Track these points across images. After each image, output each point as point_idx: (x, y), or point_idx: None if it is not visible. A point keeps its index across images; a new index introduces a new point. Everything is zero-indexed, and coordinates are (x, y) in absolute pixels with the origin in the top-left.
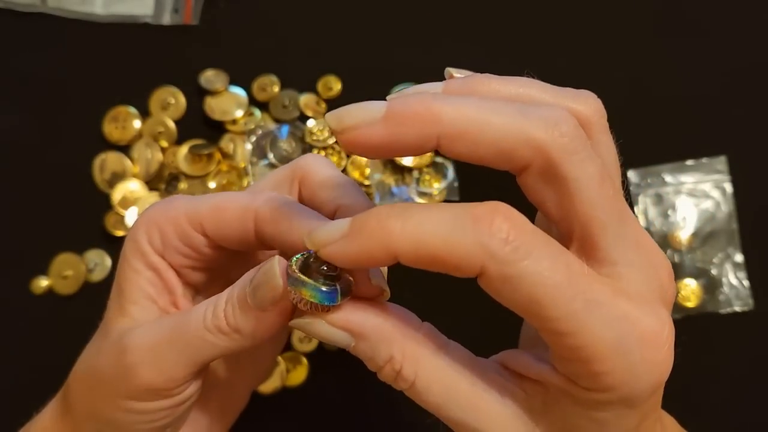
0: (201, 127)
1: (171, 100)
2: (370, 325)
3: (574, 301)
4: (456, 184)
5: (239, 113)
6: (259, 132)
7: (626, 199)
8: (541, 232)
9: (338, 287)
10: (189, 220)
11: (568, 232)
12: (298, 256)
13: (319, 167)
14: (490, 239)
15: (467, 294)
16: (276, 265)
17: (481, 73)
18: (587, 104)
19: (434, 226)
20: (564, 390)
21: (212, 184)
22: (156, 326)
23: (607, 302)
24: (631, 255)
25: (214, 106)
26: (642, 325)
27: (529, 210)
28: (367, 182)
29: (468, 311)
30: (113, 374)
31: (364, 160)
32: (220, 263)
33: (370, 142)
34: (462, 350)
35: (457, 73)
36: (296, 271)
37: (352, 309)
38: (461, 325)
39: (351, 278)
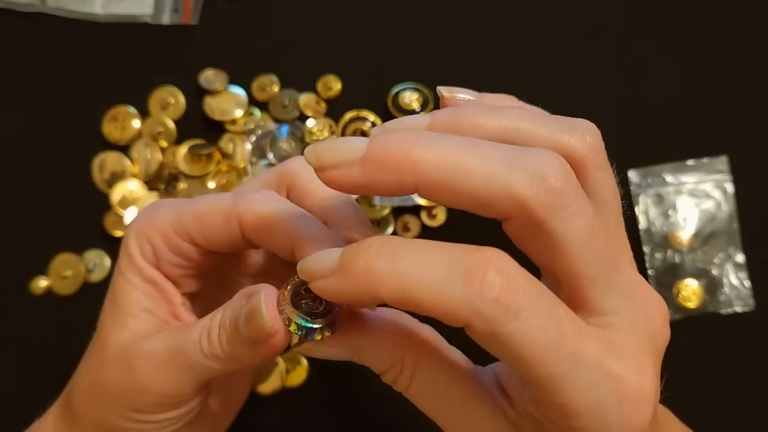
0: (200, 127)
1: (170, 100)
2: (368, 343)
3: (561, 363)
4: None
5: (239, 113)
6: (259, 132)
7: (627, 200)
8: (534, 284)
9: (322, 324)
10: (176, 230)
11: (556, 279)
12: (292, 280)
13: (307, 173)
14: (479, 298)
15: None
16: (262, 304)
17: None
18: (583, 140)
19: (422, 275)
20: (540, 422)
21: (212, 184)
22: (160, 345)
23: (594, 363)
24: (621, 305)
25: (214, 106)
26: (625, 385)
27: None
28: None
29: None
30: (120, 389)
31: None
32: (214, 267)
33: (348, 183)
34: (461, 359)
35: (446, 92)
36: (286, 301)
37: (349, 330)
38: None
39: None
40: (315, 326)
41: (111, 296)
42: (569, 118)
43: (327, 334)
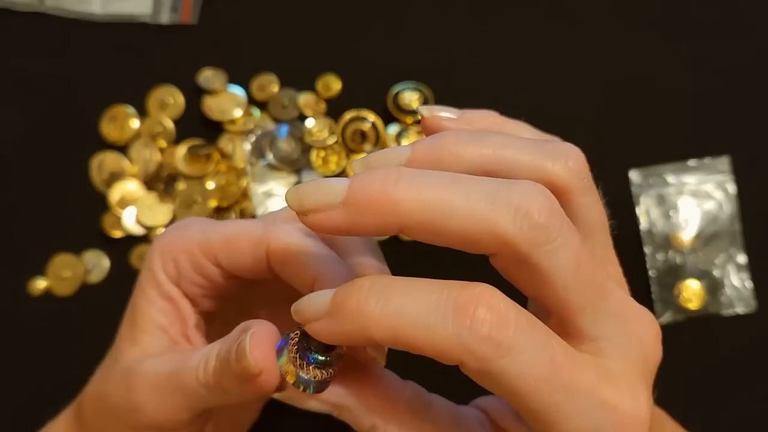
0: (199, 127)
1: (169, 100)
2: (350, 400)
3: (555, 394)
4: None
5: (238, 113)
6: (258, 132)
7: (628, 200)
8: (525, 317)
9: (317, 379)
10: (202, 250)
11: (546, 308)
12: (293, 333)
13: None
14: (470, 336)
15: None
16: (247, 343)
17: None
18: (566, 166)
19: (413, 315)
20: None
21: (211, 185)
22: (160, 366)
23: (588, 391)
24: (612, 330)
25: (213, 106)
26: (620, 411)
27: None
28: None
29: None
30: (120, 406)
31: None
32: (235, 291)
33: (330, 227)
34: (445, 407)
35: (426, 112)
36: (285, 348)
37: (332, 385)
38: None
39: (342, 354)
40: (311, 379)
41: (129, 310)
42: (552, 142)
43: (331, 372)
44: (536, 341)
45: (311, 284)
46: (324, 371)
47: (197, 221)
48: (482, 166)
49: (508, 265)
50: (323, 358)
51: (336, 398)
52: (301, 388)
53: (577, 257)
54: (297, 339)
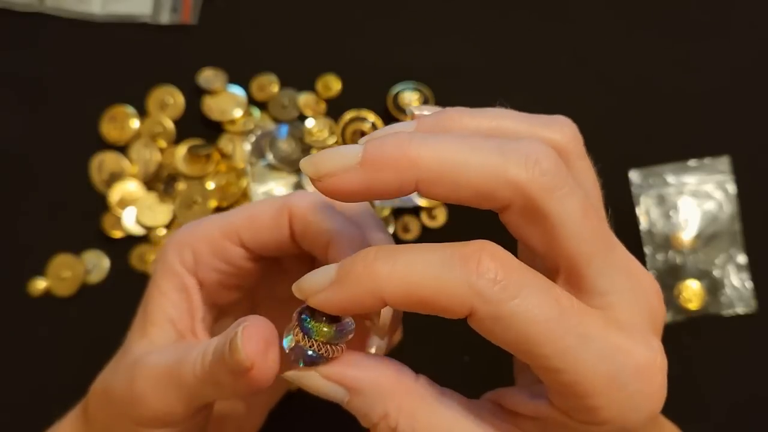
0: (199, 127)
1: (169, 100)
2: (365, 380)
3: (567, 336)
4: None
5: (238, 113)
6: (258, 132)
7: (628, 201)
8: (528, 267)
9: (324, 354)
10: (224, 233)
11: (555, 266)
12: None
13: None
14: (478, 279)
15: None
16: (239, 337)
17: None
18: (563, 132)
19: (423, 268)
20: (561, 423)
21: (211, 185)
22: (162, 358)
23: (600, 336)
24: (620, 283)
25: (213, 106)
26: (635, 356)
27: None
28: None
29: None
30: (122, 397)
31: None
32: (252, 280)
33: (348, 189)
34: (457, 398)
35: (417, 111)
36: (294, 326)
37: (347, 363)
38: (454, 359)
39: (349, 331)
40: (317, 354)
41: (142, 303)
42: (546, 115)
43: (326, 347)
44: (541, 285)
45: (326, 248)
46: (319, 344)
47: (212, 216)
48: (484, 135)
49: (518, 219)
50: (326, 328)
51: (351, 380)
52: (293, 358)
53: (585, 206)
54: (300, 311)
